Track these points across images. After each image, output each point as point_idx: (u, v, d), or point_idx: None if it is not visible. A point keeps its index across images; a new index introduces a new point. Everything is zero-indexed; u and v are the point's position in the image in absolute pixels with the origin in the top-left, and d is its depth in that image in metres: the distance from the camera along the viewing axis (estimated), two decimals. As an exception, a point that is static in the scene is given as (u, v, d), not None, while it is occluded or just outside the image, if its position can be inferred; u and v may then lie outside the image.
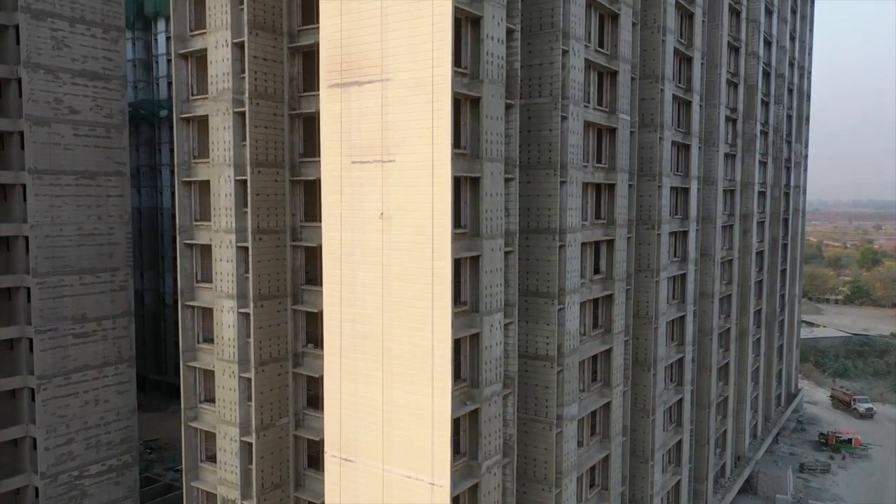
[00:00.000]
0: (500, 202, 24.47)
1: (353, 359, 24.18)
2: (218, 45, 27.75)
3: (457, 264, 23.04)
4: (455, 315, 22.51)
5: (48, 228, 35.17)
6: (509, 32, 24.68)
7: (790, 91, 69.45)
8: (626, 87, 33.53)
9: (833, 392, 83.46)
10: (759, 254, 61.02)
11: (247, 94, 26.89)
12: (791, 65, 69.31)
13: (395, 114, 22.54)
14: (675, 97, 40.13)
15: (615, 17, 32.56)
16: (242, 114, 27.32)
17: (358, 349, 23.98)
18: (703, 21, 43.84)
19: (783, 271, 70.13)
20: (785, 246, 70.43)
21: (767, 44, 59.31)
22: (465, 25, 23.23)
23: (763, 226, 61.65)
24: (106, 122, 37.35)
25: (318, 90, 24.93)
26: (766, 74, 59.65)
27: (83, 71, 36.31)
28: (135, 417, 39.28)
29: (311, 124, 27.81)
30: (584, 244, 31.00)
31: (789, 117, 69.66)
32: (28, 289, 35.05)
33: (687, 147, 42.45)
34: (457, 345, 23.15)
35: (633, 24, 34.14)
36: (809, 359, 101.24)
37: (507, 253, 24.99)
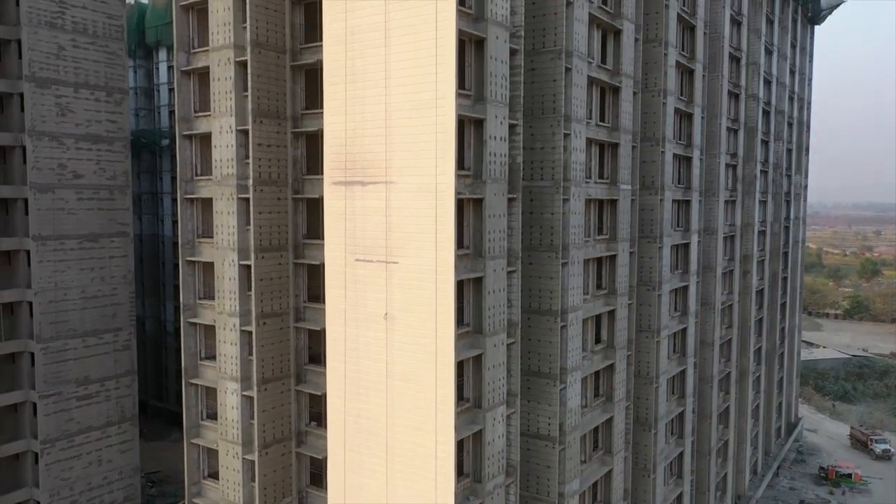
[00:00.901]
0: (503, 297, 24.67)
1: (357, 452, 24.36)
2: (222, 130, 27.95)
3: (460, 362, 23.22)
4: (458, 413, 22.71)
5: (52, 293, 35.34)
6: (511, 127, 24.88)
7: (790, 125, 69.63)
8: (627, 158, 33.77)
9: (852, 431, 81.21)
10: (759, 292, 61.19)
11: (251, 180, 27.09)
12: (791, 99, 69.50)
13: (399, 216, 22.73)
14: (675, 156, 40.33)
15: (616, 90, 32.77)
16: (247, 199, 27.58)
17: (362, 444, 24.16)
18: (704, 76, 44.04)
19: (783, 304, 70.32)
20: (785, 279, 70.61)
21: (767, 83, 59.52)
22: (469, 127, 23.43)
23: (763, 263, 61.85)
24: (109, 184, 37.52)
25: (321, 173, 25.19)
26: (766, 113, 59.85)
27: (87, 135, 36.50)
28: (137, 476, 39.45)
29: (314, 207, 28.03)
30: (585, 319, 31.20)
31: (789, 151, 69.86)
32: (32, 354, 35.23)
33: (687, 202, 42.64)
34: (460, 442, 23.34)
35: (634, 94, 34.37)
36: (809, 382, 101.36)
37: (509, 345, 25.17)
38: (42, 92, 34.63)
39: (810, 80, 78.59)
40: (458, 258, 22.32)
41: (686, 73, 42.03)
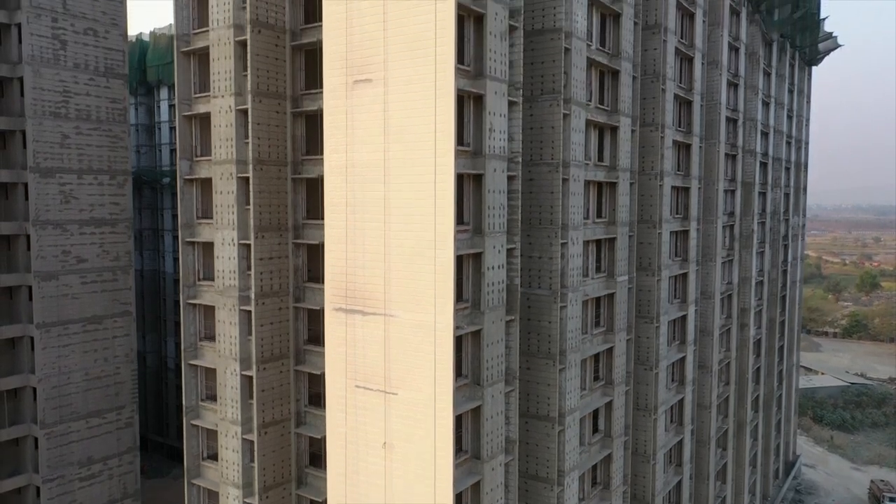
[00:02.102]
0: (500, 420, 25.06)
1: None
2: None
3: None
4: (457, 540, 23.11)
5: (56, 379, 35.78)
6: (510, 251, 25.28)
7: (787, 169, 70.04)
8: (625, 250, 34.20)
9: (871, 485, 79.62)
10: (757, 342, 61.58)
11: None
12: (788, 143, 69.90)
13: (398, 349, 23.13)
14: (672, 233, 40.75)
15: (613, 185, 33.20)
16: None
17: (362, 566, 24.57)
18: (700, 147, 44.44)
19: (780, 348, 70.72)
20: (783, 322, 71.00)
21: (764, 135, 59.94)
22: (467, 262, 23.85)
23: (761, 313, 62.22)
24: (112, 266, 37.97)
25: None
26: (763, 165, 60.26)
27: (91, 220, 36.95)
28: (140, 551, 39.93)
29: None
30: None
31: (786, 195, 70.27)
32: (35, 438, 35.65)
33: (685, 275, 43.04)
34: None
35: (632, 184, 34.82)
36: (808, 412, 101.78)
37: (506, 464, 25.59)
38: (46, 181, 35.09)
39: (808, 120, 79.01)
40: (458, 389, 22.73)
41: (683, 148, 42.43)
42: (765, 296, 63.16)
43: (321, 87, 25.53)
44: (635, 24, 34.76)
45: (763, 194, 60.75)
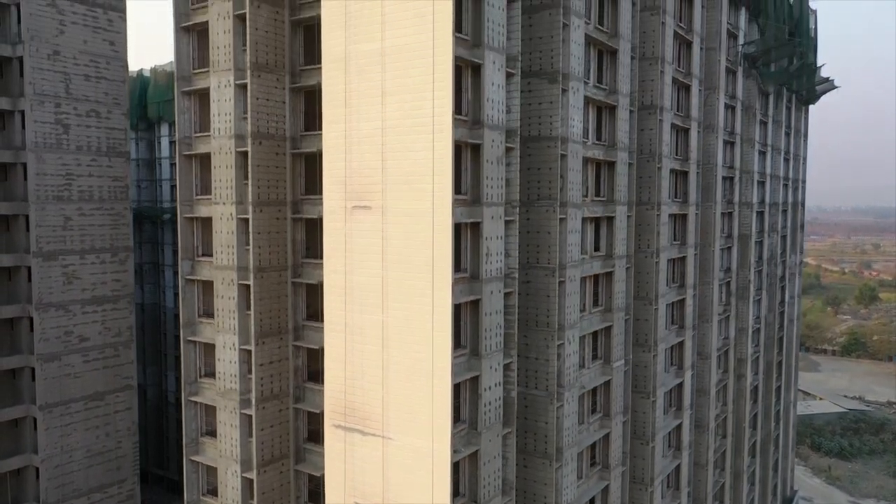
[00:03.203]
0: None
1: None
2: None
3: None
4: None
5: (58, 458, 36.18)
6: (506, 366, 25.69)
7: (784, 212, 70.42)
8: (621, 335, 34.58)
9: None
10: (754, 388, 61.97)
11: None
12: (785, 185, 70.30)
13: (396, 473, 23.53)
14: (668, 305, 41.14)
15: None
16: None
17: None
18: (697, 214, 44.83)
19: (777, 388, 71.11)
20: (780, 363, 71.41)
21: (761, 184, 60.33)
22: (464, 387, 24.25)
23: (758, 360, 62.60)
24: (114, 342, 38.39)
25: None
26: (760, 214, 60.65)
27: (93, 298, 37.36)
28: None
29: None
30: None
31: (783, 237, 70.66)
32: (38, 517, 36.12)
33: (681, 343, 43.43)
34: None
35: (627, 268, 35.21)
36: (806, 441, 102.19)
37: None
38: (49, 264, 35.50)
39: (805, 158, 79.41)
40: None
41: (679, 219, 42.83)
42: (762, 342, 63.53)
43: (321, 192, 25.98)
44: (630, 112, 35.16)
45: (760, 242, 61.13)
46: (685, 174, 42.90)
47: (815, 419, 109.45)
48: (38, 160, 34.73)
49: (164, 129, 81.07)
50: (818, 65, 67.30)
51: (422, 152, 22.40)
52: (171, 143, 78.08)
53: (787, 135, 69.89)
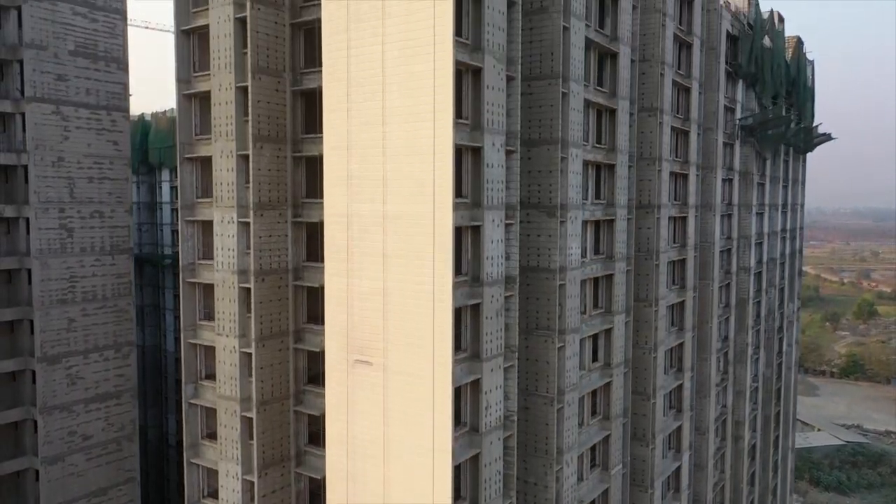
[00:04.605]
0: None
1: None
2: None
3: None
4: None
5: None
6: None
7: (782, 264, 70.77)
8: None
9: None
10: (752, 447, 62.36)
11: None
12: (783, 238, 70.64)
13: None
14: (666, 394, 41.57)
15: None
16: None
17: None
18: (695, 297, 45.25)
19: (776, 438, 71.51)
20: (778, 413, 71.78)
21: (759, 245, 60.65)
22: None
23: (755, 419, 63.00)
24: (117, 436, 38.76)
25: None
26: (758, 274, 60.99)
27: (96, 396, 37.73)
28: None
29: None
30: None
31: (781, 290, 71.02)
32: None
33: (679, 427, 43.85)
34: None
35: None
36: (805, 476, 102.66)
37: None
38: (53, 368, 35.87)
39: (802, 205, 79.83)
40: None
41: (678, 307, 43.25)
42: (759, 399, 63.92)
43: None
44: (628, 211, 35.55)
45: (758, 302, 61.48)
46: (683, 262, 43.26)
47: (813, 452, 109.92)
48: (43, 266, 35.11)
49: (165, 175, 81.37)
50: (815, 123, 67.66)
51: (425, 316, 22.86)
52: (173, 188, 78.50)
53: (785, 187, 70.29)
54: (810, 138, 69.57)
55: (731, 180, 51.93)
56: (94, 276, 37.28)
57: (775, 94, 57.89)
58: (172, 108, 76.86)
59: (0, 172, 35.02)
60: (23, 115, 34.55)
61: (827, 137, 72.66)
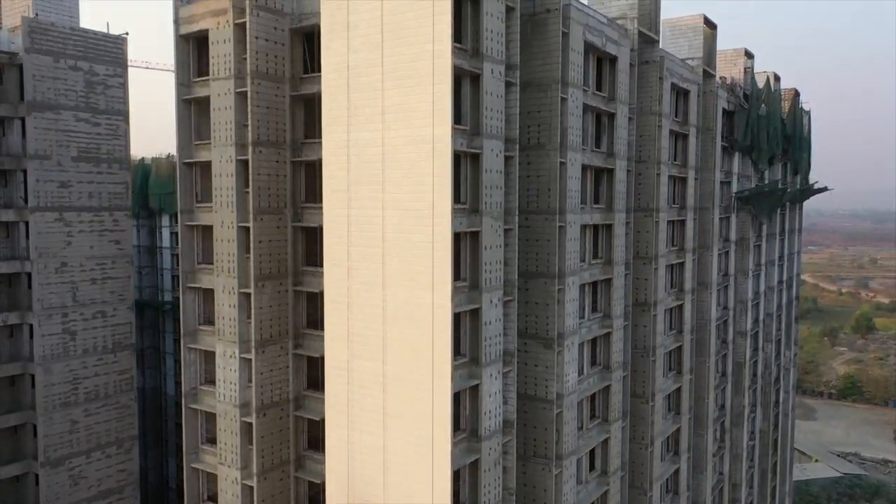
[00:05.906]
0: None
1: None
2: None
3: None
4: None
5: None
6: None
7: (779, 316, 71.07)
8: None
9: None
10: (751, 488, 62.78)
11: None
12: (780, 290, 70.94)
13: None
14: (665, 472, 42.02)
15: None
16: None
17: None
18: (691, 379, 45.66)
19: (773, 488, 71.96)
20: (776, 464, 72.22)
21: (756, 305, 61.01)
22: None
23: (752, 476, 63.43)
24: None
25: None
26: (755, 334, 61.33)
27: (98, 494, 38.12)
28: None
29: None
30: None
31: (778, 341, 71.34)
32: None
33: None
34: None
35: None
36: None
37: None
38: (56, 471, 36.26)
39: (799, 252, 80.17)
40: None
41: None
42: (756, 457, 64.39)
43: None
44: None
45: (755, 362, 61.88)
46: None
47: (811, 485, 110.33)
48: (46, 372, 35.50)
49: (165, 220, 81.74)
50: (811, 182, 68.08)
51: (423, 471, 23.31)
52: (173, 234, 78.81)
53: (782, 239, 70.63)
54: (807, 193, 69.99)
55: (727, 252, 52.32)
56: (97, 375, 37.67)
57: (771, 156, 58.32)
58: (171, 154, 77.23)
59: (4, 279, 35.36)
60: (26, 223, 34.91)
61: (822, 189, 73.08)
